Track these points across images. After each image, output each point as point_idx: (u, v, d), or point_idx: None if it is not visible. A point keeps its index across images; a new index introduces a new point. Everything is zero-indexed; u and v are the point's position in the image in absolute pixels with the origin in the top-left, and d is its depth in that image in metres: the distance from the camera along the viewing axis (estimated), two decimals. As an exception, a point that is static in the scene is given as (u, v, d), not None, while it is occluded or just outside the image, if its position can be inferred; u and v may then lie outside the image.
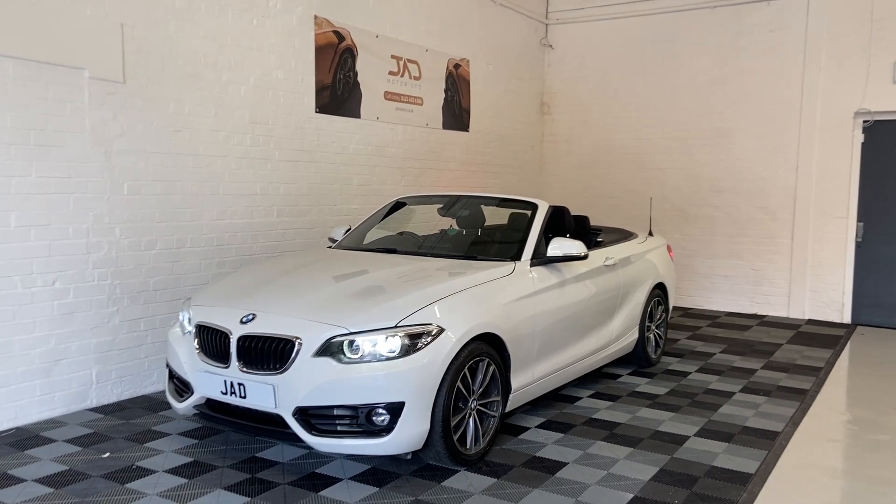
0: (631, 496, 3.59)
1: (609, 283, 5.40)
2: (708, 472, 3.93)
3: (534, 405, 4.99)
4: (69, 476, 3.70)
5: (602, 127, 9.81)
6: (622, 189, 9.70)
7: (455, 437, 3.79)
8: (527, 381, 4.40)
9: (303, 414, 3.52)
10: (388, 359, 3.54)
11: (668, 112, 9.30)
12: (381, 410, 3.52)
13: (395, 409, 3.52)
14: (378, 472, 3.82)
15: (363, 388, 3.49)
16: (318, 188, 6.52)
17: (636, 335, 5.90)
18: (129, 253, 5.02)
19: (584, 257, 4.72)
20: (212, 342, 3.86)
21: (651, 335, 6.20)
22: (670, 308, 6.59)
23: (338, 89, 6.69)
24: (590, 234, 6.06)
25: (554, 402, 5.11)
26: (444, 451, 3.73)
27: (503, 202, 5.37)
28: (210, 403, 3.89)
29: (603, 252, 5.46)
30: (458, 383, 3.79)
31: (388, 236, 5.33)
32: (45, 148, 4.50)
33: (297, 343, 3.57)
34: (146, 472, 3.77)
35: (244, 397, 3.69)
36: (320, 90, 6.50)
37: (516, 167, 9.62)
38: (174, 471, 3.79)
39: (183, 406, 3.96)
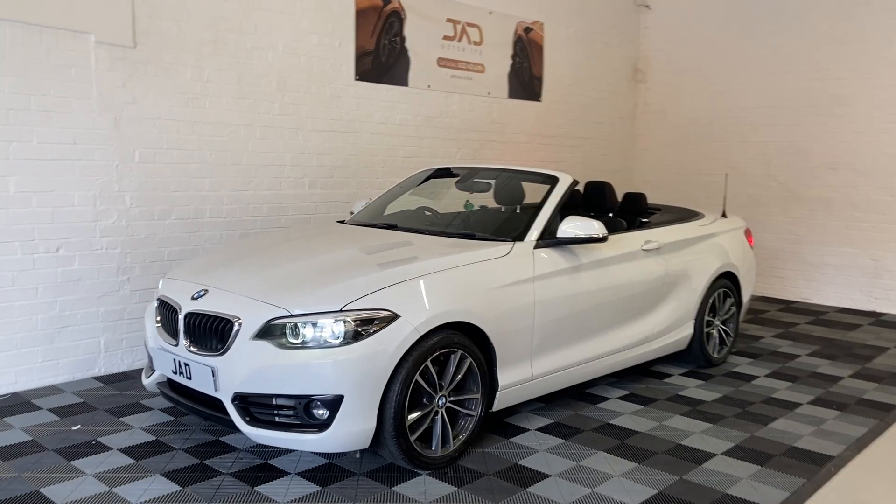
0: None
1: (649, 270, 4.72)
2: (717, 501, 3.27)
3: (547, 404, 4.46)
4: (25, 447, 3.63)
5: (701, 96, 8.85)
6: (722, 165, 8.72)
7: (413, 437, 3.37)
8: (522, 377, 3.89)
9: (242, 401, 3.24)
10: (331, 346, 3.17)
11: (775, 78, 8.22)
12: (318, 403, 3.17)
13: (333, 403, 3.15)
14: (332, 468, 3.48)
15: (301, 378, 3.15)
16: (357, 160, 6.22)
17: (690, 330, 5.17)
18: (140, 222, 4.94)
19: (602, 239, 4.11)
20: (167, 318, 3.65)
21: (714, 331, 5.43)
22: (745, 301, 5.75)
23: (381, 55, 6.32)
24: (644, 213, 5.39)
25: (574, 401, 4.55)
26: (397, 452, 3.33)
27: (522, 175, 4.81)
28: (170, 382, 3.69)
29: (642, 235, 4.78)
30: (419, 377, 3.35)
31: (405, 211, 4.93)
32: (47, 113, 4.46)
33: (236, 323, 3.28)
34: (100, 450, 3.63)
35: (189, 378, 3.46)
36: (361, 56, 6.17)
37: (600, 140, 8.88)
38: (127, 450, 3.63)
39: (147, 383, 3.80)
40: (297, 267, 3.63)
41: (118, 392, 4.51)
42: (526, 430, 4.05)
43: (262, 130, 5.54)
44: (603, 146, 8.97)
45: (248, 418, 3.24)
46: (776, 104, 8.23)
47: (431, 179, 5.07)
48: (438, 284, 3.48)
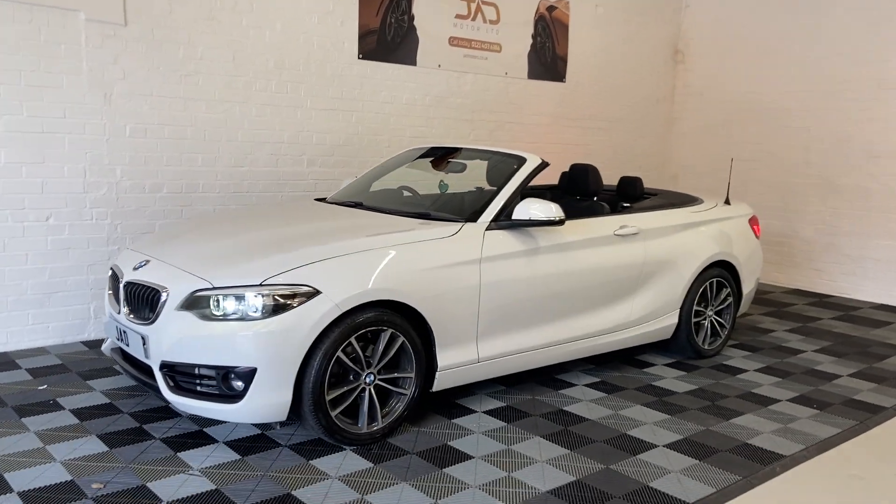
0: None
1: (624, 255, 4.58)
2: (633, 492, 3.17)
3: (508, 387, 4.41)
4: (-12, 402, 3.86)
5: (742, 77, 8.46)
6: (760, 151, 8.34)
7: (335, 412, 3.40)
8: (466, 359, 3.86)
9: (170, 369, 3.34)
10: (251, 319, 3.23)
11: (817, 60, 7.78)
12: (234, 374, 3.24)
13: (248, 375, 3.21)
14: (261, 439, 3.56)
15: (218, 349, 3.22)
16: (360, 139, 6.26)
17: (675, 320, 4.99)
18: (131, 195, 5.14)
19: (559, 222, 4.01)
20: (114, 287, 3.80)
21: (705, 322, 5.23)
22: (746, 293, 5.50)
23: (387, 34, 6.32)
24: (639, 198, 5.23)
25: (538, 386, 4.48)
26: (317, 427, 3.37)
27: (488, 155, 4.72)
28: (121, 348, 3.85)
29: (618, 219, 4.63)
30: (342, 354, 3.38)
31: (383, 190, 4.94)
32: (37, 88, 4.68)
33: (164, 294, 3.38)
34: (54, 409, 3.83)
35: (128, 346, 3.60)
36: (365, 35, 6.18)
37: (633, 123, 8.62)
38: (77, 411, 3.81)
39: (104, 348, 3.97)
40: (237, 241, 3.71)
41: (97, 356, 4.72)
42: (473, 411, 4.03)
43: (258, 108, 5.64)
44: (636, 129, 8.70)
45: (172, 386, 3.35)
46: (819, 88, 7.79)
47: (423, 159, 5.04)
48: (367, 262, 3.48)
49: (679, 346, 5.16)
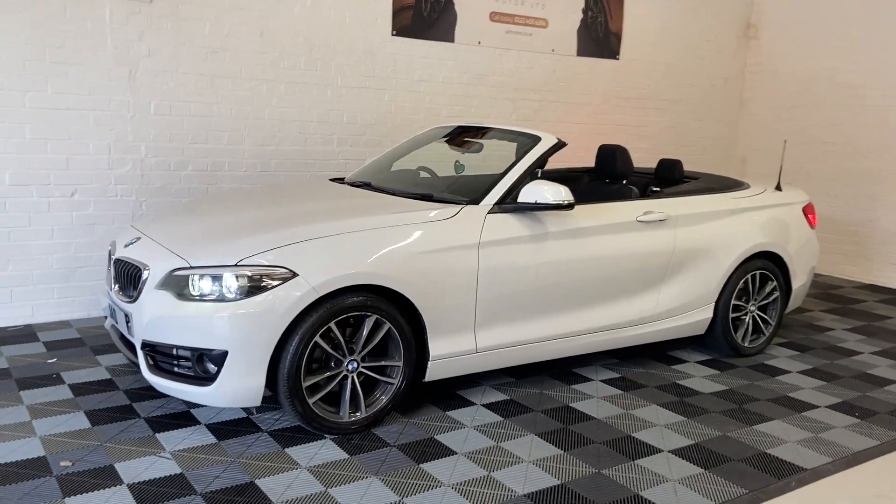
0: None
1: (649, 243, 4.26)
2: (619, 502, 2.92)
3: (518, 379, 4.19)
4: (1, 374, 3.94)
5: (819, 53, 7.82)
6: (837, 133, 7.70)
7: (313, 399, 3.28)
8: (462, 349, 3.67)
9: (151, 349, 3.30)
10: (226, 301, 3.13)
11: (899, 33, 7.08)
12: (207, 357, 3.16)
13: (219, 358, 3.13)
14: (243, 423, 3.49)
15: (192, 330, 3.15)
16: (393, 118, 6.10)
17: (709, 314, 4.63)
18: (156, 172, 5.17)
19: (567, 206, 3.74)
20: (109, 264, 3.79)
21: (746, 318, 4.84)
22: (797, 287, 5.06)
23: (423, 10, 6.12)
24: (677, 182, 4.90)
25: (551, 380, 4.24)
26: (293, 413, 3.27)
27: (503, 134, 4.46)
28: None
29: (642, 204, 4.31)
30: (320, 339, 3.25)
31: (399, 171, 4.77)
32: (62, 65, 4.73)
33: (145, 272, 3.33)
34: (53, 383, 3.87)
35: (116, 322, 3.58)
36: (399, 11, 6.01)
37: (697, 103, 8.13)
38: (75, 386, 3.84)
39: (106, 325, 3.99)
40: (228, 221, 3.62)
41: (116, 331, 4.77)
42: (472, 404, 3.83)
43: (286, 86, 5.57)
44: (700, 110, 8.20)
45: (152, 365, 3.30)
46: (898, 63, 7.11)
47: (448, 138, 4.83)
48: (349, 245, 3.33)
49: (715, 343, 4.80)
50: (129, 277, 3.45)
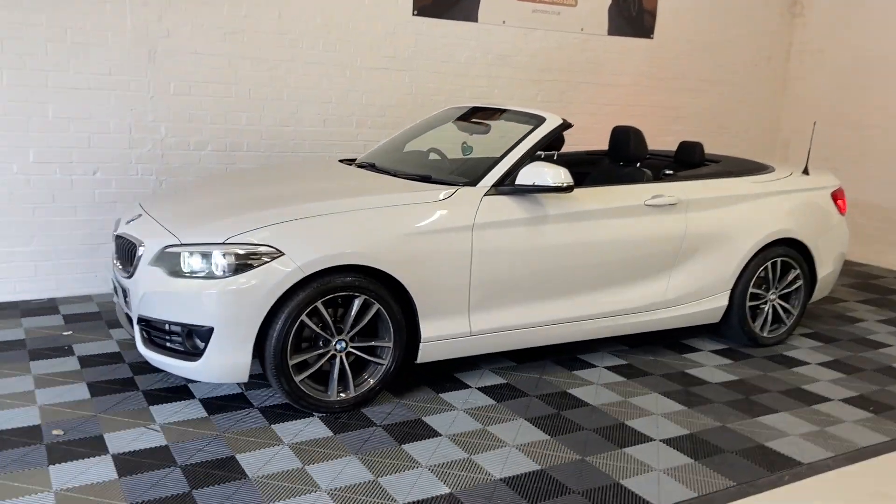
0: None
1: (657, 228, 4.15)
2: (597, 489, 2.87)
3: (519, 364, 4.15)
4: (7, 346, 4.08)
5: (868, 31, 7.46)
6: (885, 115, 7.34)
7: (300, 377, 3.31)
8: (455, 332, 3.64)
9: (146, 324, 3.37)
10: (214, 278, 3.18)
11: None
12: (195, 333, 3.21)
13: (206, 334, 3.18)
14: (237, 399, 3.54)
15: (180, 306, 3.20)
16: (414, 100, 6.07)
17: (723, 302, 4.49)
18: (176, 151, 5.26)
19: (566, 189, 3.66)
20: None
21: (767, 307, 4.68)
22: (821, 276, 4.87)
23: (446, -12, 6.05)
24: (698, 165, 4.76)
25: (553, 365, 4.19)
26: (280, 391, 3.30)
27: (507, 115, 4.38)
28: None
29: (652, 188, 4.19)
30: (307, 318, 3.27)
31: (410, 152, 4.74)
32: (83, 45, 4.85)
33: (140, 248, 3.40)
34: (63, 354, 4.00)
35: (117, 297, 3.67)
36: (420, -10, 5.95)
37: (737, 84, 7.86)
38: (84, 358, 3.96)
39: (114, 299, 4.09)
40: (225, 199, 3.67)
41: (133, 306, 4.90)
42: (466, 387, 3.81)
43: (304, 66, 5.59)
44: (741, 91, 7.93)
45: (146, 339, 3.38)
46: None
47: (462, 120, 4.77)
48: (337, 225, 3.33)
49: (732, 332, 4.65)
50: (127, 253, 3.53)
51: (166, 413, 3.35)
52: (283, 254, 3.18)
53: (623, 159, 4.62)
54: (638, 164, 4.60)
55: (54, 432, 3.10)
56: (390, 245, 3.38)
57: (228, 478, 2.81)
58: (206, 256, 3.20)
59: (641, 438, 3.32)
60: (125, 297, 3.49)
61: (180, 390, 3.60)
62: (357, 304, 3.36)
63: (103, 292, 5.17)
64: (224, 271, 3.17)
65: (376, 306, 3.40)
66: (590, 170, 4.95)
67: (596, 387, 3.89)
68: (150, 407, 3.40)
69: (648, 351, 4.51)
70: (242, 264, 3.16)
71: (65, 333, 4.32)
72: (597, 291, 4.02)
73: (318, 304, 3.27)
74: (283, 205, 3.41)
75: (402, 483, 2.84)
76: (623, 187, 4.11)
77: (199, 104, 5.26)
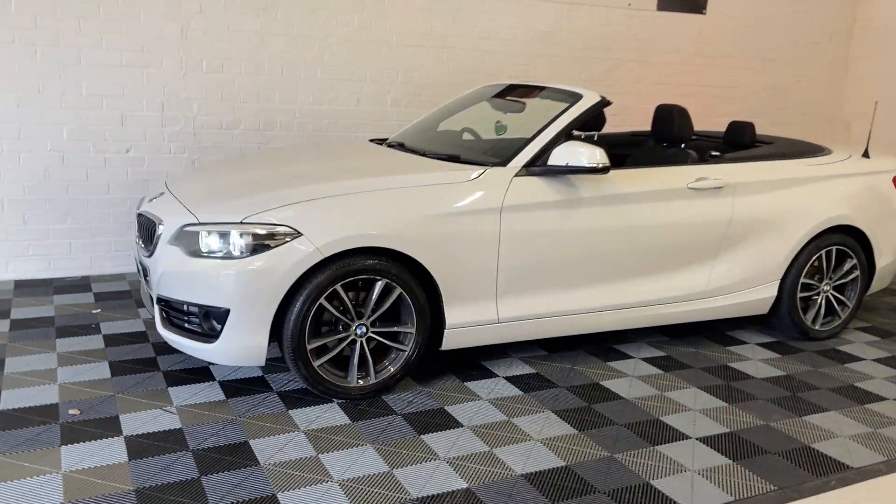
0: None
1: (701, 213, 3.92)
2: (623, 490, 2.69)
3: (550, 353, 3.98)
4: (38, 322, 4.08)
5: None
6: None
7: (319, 362, 3.21)
8: (482, 318, 3.49)
9: (166, 304, 3.31)
10: (230, 258, 3.09)
11: None
12: (211, 314, 3.13)
13: (222, 315, 3.09)
14: (257, 382, 3.47)
15: (197, 287, 3.12)
16: (452, 78, 5.90)
17: (772, 292, 4.24)
18: (208, 130, 5.21)
19: (601, 170, 3.46)
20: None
21: (820, 298, 4.40)
22: (880, 266, 4.56)
23: (486, -38, 5.84)
24: (748, 146, 4.50)
25: (587, 355, 4.01)
26: (299, 376, 3.20)
27: (542, 92, 4.17)
28: (147, 279, 3.90)
29: (696, 170, 3.95)
30: (325, 301, 3.15)
31: (442, 132, 4.58)
32: (116, 21, 4.81)
33: (159, 226, 3.33)
34: (89, 332, 3.98)
35: (139, 276, 3.62)
36: (459, -36, 5.76)
37: (795, 63, 7.48)
38: (109, 337, 3.94)
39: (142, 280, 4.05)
40: (248, 178, 3.57)
41: (164, 286, 4.88)
42: (493, 376, 3.66)
43: (338, 44, 5.47)
44: (799, 70, 7.54)
45: (165, 319, 3.31)
46: None
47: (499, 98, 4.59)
48: (359, 205, 3.20)
49: (780, 324, 4.40)
50: (148, 232, 3.46)
51: (184, 395, 3.28)
52: (302, 234, 3.07)
53: (667, 140, 4.37)
54: (682, 145, 4.35)
55: (70, 412, 3.06)
56: (413, 227, 3.23)
57: (239, 464, 2.73)
58: (224, 236, 3.11)
59: (676, 436, 3.12)
60: (146, 276, 3.43)
61: (201, 372, 3.53)
62: (378, 287, 3.24)
63: (134, 271, 5.16)
64: (241, 251, 3.07)
65: (398, 290, 3.26)
66: (632, 151, 4.72)
67: (630, 379, 3.70)
68: (169, 388, 3.34)
69: (689, 342, 4.28)
70: (260, 245, 3.06)
71: (94, 311, 4.30)
72: (634, 279, 3.82)
73: (338, 287, 3.15)
74: (304, 184, 3.30)
75: (417, 475, 2.71)
76: (665, 169, 3.88)
77: (232, 82, 5.19)
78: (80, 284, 4.81)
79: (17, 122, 4.68)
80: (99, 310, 4.33)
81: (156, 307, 3.34)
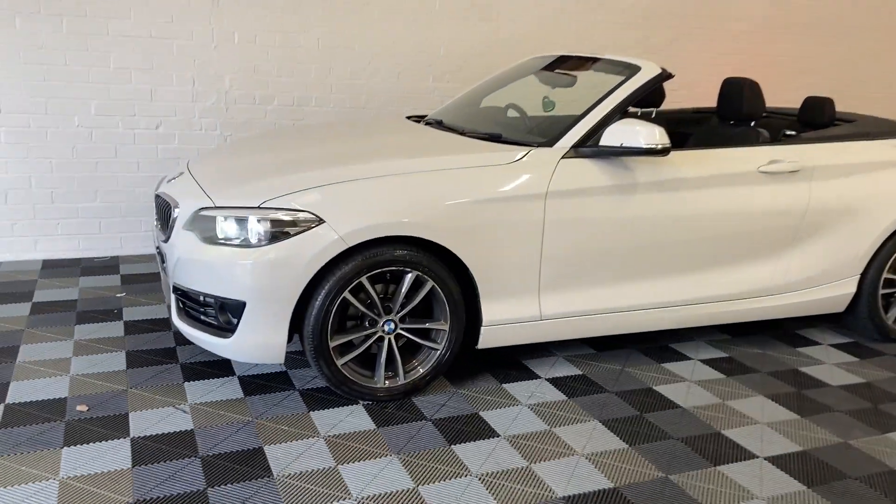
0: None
1: (773, 200, 3.50)
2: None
3: (599, 352, 3.64)
4: (58, 306, 3.92)
5: None
6: None
7: (342, 361, 2.94)
8: (523, 315, 3.16)
9: (183, 293, 3.07)
10: (247, 246, 2.82)
11: None
12: (227, 307, 2.88)
13: (237, 309, 2.84)
14: (277, 379, 3.22)
15: (211, 277, 2.87)
16: (496, 50, 5.53)
17: (850, 289, 3.80)
18: (240, 105, 4.97)
19: (661, 152, 3.08)
20: (157, 199, 3.61)
21: (904, 295, 3.95)
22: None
23: (537, -76, 5.43)
24: (827, 125, 4.04)
25: (639, 354, 3.66)
26: (321, 375, 2.94)
27: (606, 65, 3.77)
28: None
29: (769, 151, 3.53)
30: (349, 295, 2.87)
31: (486, 108, 4.23)
32: (144, -7, 4.59)
33: (175, 210, 3.09)
34: (110, 318, 3.80)
35: (157, 262, 3.40)
36: (509, -74, 5.35)
37: (881, 31, 6.85)
38: (130, 324, 3.75)
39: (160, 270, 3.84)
40: (273, 158, 3.29)
41: (194, 268, 4.68)
42: (535, 377, 3.34)
43: (379, 14, 5.14)
44: (886, 39, 6.90)
45: (181, 309, 3.09)
46: None
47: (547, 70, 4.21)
48: (387, 189, 2.89)
49: (858, 324, 3.96)
50: (165, 215, 3.23)
51: (200, 391, 3.05)
52: (324, 221, 2.78)
53: (734, 117, 3.94)
54: (752, 124, 3.91)
55: (78, 408, 2.86)
56: (447, 214, 2.92)
57: (250, 475, 2.48)
58: (242, 222, 2.85)
59: (741, 454, 2.76)
60: (163, 262, 3.20)
61: (220, 365, 3.30)
62: (408, 280, 2.94)
63: (167, 252, 4.98)
64: (259, 239, 2.80)
65: (430, 284, 2.96)
66: (695, 130, 4.30)
67: (688, 384, 3.34)
68: (186, 383, 3.12)
69: (754, 342, 3.88)
70: (279, 232, 2.79)
71: (118, 295, 4.12)
72: (694, 273, 3.43)
73: (364, 279, 2.86)
74: (330, 165, 3.00)
75: (445, 494, 2.42)
76: (732, 150, 3.47)
77: (265, 55, 4.92)
78: (109, 266, 4.65)
79: (44, 97, 4.51)
80: (124, 293, 4.15)
81: (172, 296, 3.11)
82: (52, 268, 4.52)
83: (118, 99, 4.66)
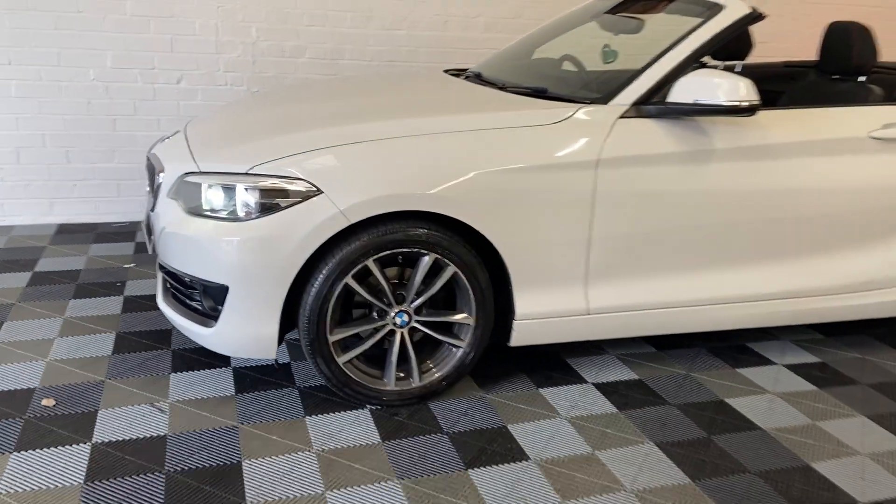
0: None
1: (886, 173, 2.83)
2: None
3: (660, 350, 3.07)
4: (61, 277, 3.59)
5: None
6: None
7: (345, 359, 2.47)
8: (566, 308, 2.62)
9: (169, 273, 2.65)
10: (234, 220, 2.37)
11: None
12: (208, 291, 2.44)
13: (219, 294, 2.39)
14: (277, 374, 2.78)
15: (193, 254, 2.43)
16: (559, -4, 4.89)
17: (978, 284, 3.09)
18: (269, 58, 4.51)
19: (747, 110, 2.45)
20: (152, 161, 3.18)
21: None
22: None
23: None
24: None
25: (710, 356, 3.07)
26: (320, 375, 2.48)
27: (680, 6, 3.10)
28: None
29: (882, 112, 2.84)
30: (351, 281, 2.39)
31: (541, 60, 3.63)
32: (162, -69, 4.14)
33: (160, 175, 2.65)
34: (113, 293, 3.44)
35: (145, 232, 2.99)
36: None
37: None
38: (131, 298, 3.39)
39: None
40: (278, 115, 2.81)
41: (214, 237, 4.30)
42: (581, 381, 2.80)
43: (423, -46, 4.58)
44: None
45: (167, 290, 2.67)
46: None
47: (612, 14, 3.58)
48: (401, 154, 2.37)
49: (983, 325, 3.24)
50: (152, 180, 2.79)
51: (186, 385, 2.64)
52: (321, 191, 2.29)
53: (839, 71, 3.23)
54: (862, 79, 3.20)
55: (44, 402, 2.49)
56: (472, 184, 2.38)
57: (218, 500, 2.04)
58: (229, 190, 2.38)
59: (838, 496, 2.17)
60: (149, 234, 2.77)
61: (215, 354, 2.89)
62: (424, 264, 2.43)
63: (190, 218, 4.60)
64: (248, 212, 2.33)
65: (452, 269, 2.44)
66: (788, 87, 3.60)
67: (770, 398, 2.73)
68: (171, 374, 2.72)
69: (852, 343, 3.23)
70: (269, 203, 2.31)
71: (126, 266, 3.76)
72: (784, 261, 2.80)
73: (370, 262, 2.37)
74: (337, 124, 2.49)
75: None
76: (836, 110, 2.80)
77: (296, 2, 4.43)
78: (125, 231, 4.31)
79: (56, 47, 4.14)
80: (133, 264, 3.79)
81: (158, 275, 2.69)
82: (67, 233, 4.21)
83: (136, 50, 4.27)
